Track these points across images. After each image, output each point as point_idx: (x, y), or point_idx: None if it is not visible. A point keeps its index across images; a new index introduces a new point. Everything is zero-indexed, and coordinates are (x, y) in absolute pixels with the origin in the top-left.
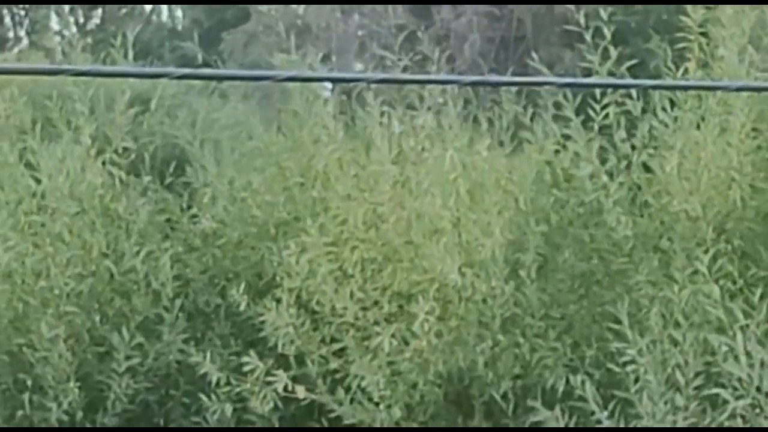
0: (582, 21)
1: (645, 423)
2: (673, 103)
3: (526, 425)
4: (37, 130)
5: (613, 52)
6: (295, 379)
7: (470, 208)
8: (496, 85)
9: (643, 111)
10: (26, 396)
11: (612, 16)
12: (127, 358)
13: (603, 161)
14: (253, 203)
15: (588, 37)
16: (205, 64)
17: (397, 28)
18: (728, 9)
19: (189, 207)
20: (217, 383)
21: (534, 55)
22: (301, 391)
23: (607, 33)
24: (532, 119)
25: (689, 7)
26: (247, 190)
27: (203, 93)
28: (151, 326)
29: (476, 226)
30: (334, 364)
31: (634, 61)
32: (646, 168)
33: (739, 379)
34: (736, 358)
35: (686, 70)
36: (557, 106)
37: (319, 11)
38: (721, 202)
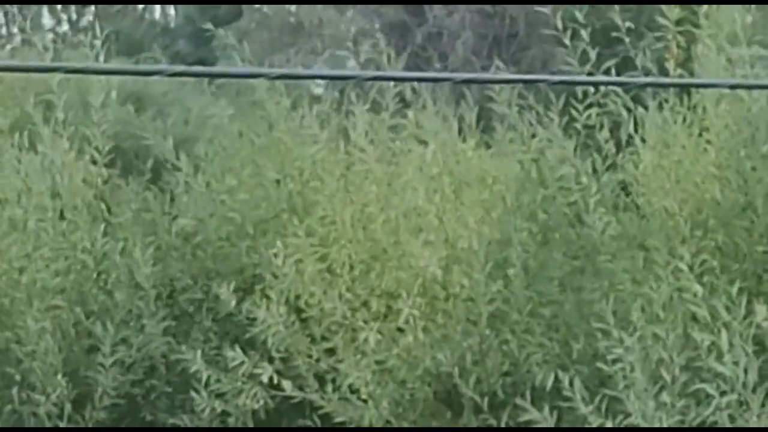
0: (559, 24)
1: (633, 419)
2: (651, 102)
3: (517, 423)
4: (24, 128)
5: (593, 54)
6: (283, 376)
7: (455, 206)
8: (489, 82)
9: (627, 110)
10: (15, 390)
11: (605, 14)
12: (113, 352)
13: (588, 161)
14: (236, 202)
15: (567, 40)
16: (198, 62)
17: (390, 25)
18: (704, 7)
19: (171, 205)
20: (207, 381)
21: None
22: (288, 386)
23: (585, 35)
24: (518, 117)
25: (665, 7)
26: (229, 189)
27: (196, 90)
28: (136, 320)
29: (461, 222)
30: (323, 364)
31: (612, 61)
32: (628, 167)
33: (724, 375)
34: (720, 354)
35: (665, 69)
36: (544, 104)
37: (312, 8)
38: (699, 198)
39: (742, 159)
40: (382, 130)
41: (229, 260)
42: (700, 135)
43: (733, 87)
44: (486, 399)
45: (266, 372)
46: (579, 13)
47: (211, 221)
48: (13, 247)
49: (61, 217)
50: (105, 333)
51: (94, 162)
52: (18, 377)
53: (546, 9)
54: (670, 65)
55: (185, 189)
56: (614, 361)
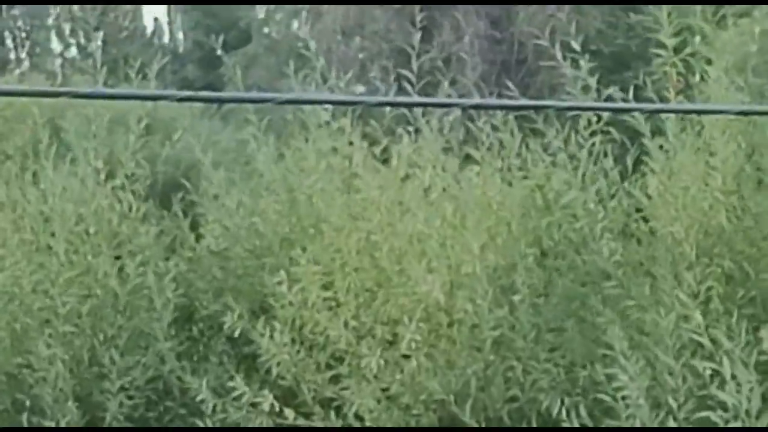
0: (559, 55)
1: None
2: (659, 129)
3: None
4: (42, 152)
5: (592, 82)
6: (289, 404)
7: (459, 231)
8: (498, 108)
9: (631, 137)
10: (24, 416)
11: (613, 40)
12: (120, 377)
13: (594, 187)
14: (250, 228)
15: (567, 69)
16: (207, 87)
17: (397, 51)
18: (698, 36)
19: (191, 229)
20: (214, 409)
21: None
22: (291, 414)
23: (583, 64)
24: (521, 145)
25: (663, 35)
26: (242, 215)
27: (204, 115)
28: (151, 344)
29: (465, 248)
30: (329, 392)
31: (611, 89)
32: (634, 194)
33: (728, 404)
34: (723, 382)
35: (664, 97)
36: (546, 131)
37: (320, 34)
38: (706, 225)
39: (748, 185)
40: (384, 156)
41: (251, 278)
42: (706, 163)
43: (740, 114)
44: (491, 425)
45: (266, 401)
46: (576, 42)
47: (239, 235)
48: (31, 271)
49: (85, 241)
50: (112, 359)
51: (122, 188)
52: (28, 403)
53: (544, 41)
54: (670, 93)
55: (213, 207)
56: (618, 389)
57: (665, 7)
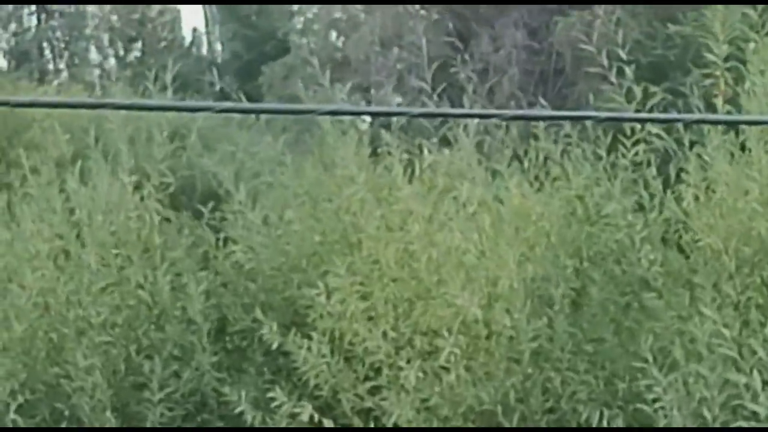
0: (605, 62)
1: None
2: (700, 140)
3: None
4: (77, 162)
5: (638, 91)
6: (327, 416)
7: (498, 243)
8: (537, 119)
9: (674, 147)
10: (63, 426)
11: (651, 50)
12: (161, 387)
13: (635, 198)
14: (286, 239)
15: (613, 77)
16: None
17: (434, 61)
18: (750, 43)
19: (225, 241)
20: (252, 421)
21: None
22: (329, 425)
23: (629, 72)
24: (562, 155)
25: (712, 43)
26: (279, 227)
27: (242, 126)
28: (188, 355)
29: (505, 260)
30: (368, 403)
31: (658, 98)
32: (676, 203)
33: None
34: (756, 394)
35: (713, 106)
36: (592, 141)
37: (358, 44)
38: (746, 235)
39: None
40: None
41: (282, 293)
42: (745, 173)
43: None
44: None
45: (305, 411)
46: (622, 51)
47: (266, 252)
48: (65, 281)
49: (116, 252)
50: (153, 369)
51: (152, 198)
52: (67, 413)
53: (591, 47)
54: (718, 102)
55: (241, 221)
56: (655, 400)
57: (719, 15)
